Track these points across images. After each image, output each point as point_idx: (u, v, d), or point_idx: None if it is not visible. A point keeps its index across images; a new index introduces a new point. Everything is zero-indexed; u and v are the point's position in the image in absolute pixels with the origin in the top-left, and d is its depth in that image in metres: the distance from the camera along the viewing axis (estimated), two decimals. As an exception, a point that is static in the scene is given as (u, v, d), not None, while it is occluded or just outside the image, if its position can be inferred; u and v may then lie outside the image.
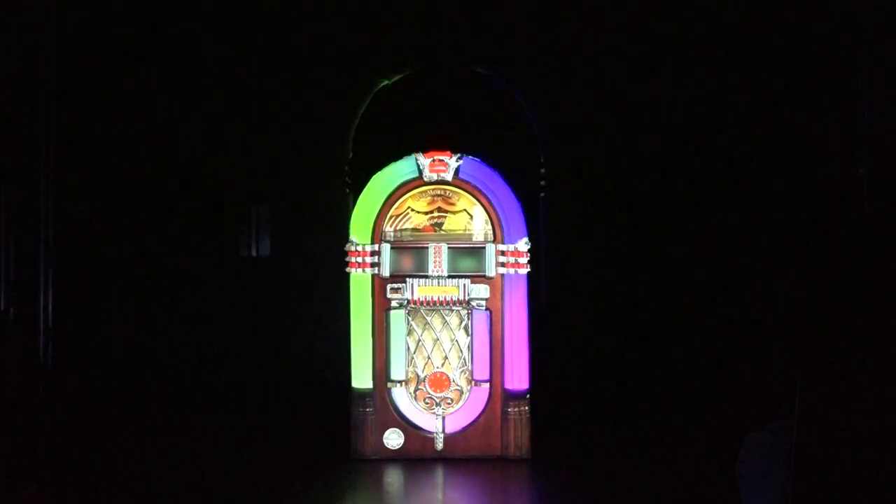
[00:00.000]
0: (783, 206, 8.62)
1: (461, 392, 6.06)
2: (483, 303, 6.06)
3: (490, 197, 6.08)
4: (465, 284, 6.06)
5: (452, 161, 6.11)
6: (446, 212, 6.15)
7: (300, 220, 9.39)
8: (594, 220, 9.20)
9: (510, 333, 6.04)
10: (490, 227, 6.09)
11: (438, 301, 6.07)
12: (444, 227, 6.13)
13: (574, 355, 9.04)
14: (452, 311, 6.09)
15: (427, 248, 6.10)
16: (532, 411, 6.05)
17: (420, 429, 6.04)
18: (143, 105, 9.19)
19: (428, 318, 6.09)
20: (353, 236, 6.12)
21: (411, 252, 6.11)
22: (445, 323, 6.09)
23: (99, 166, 8.40)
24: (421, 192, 6.15)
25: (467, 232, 6.12)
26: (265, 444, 6.56)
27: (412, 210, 6.15)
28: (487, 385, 6.04)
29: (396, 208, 6.14)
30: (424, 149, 6.23)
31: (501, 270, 6.06)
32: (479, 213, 6.13)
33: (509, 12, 8.97)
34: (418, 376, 6.07)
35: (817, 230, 7.66)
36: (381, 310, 6.09)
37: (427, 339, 6.10)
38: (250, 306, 9.33)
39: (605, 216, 9.19)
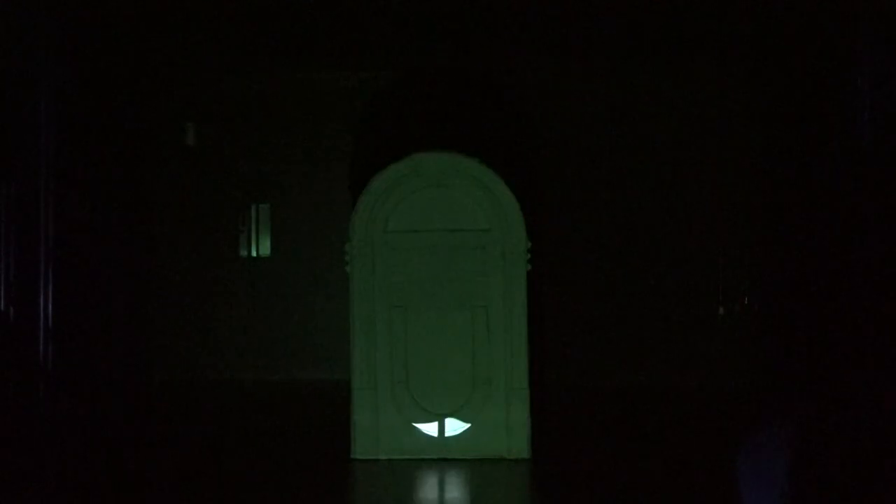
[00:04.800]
0: (783, 206, 8.62)
1: (462, 392, 6.05)
2: (483, 302, 6.05)
3: (490, 196, 6.07)
4: (465, 284, 6.05)
5: (453, 160, 6.10)
6: (446, 211, 6.13)
7: (300, 220, 9.39)
8: (594, 219, 9.20)
9: (510, 333, 6.03)
10: (490, 226, 6.07)
11: (438, 301, 6.06)
12: (444, 226, 6.12)
13: (574, 355, 9.04)
14: (453, 310, 6.08)
15: (427, 247, 6.09)
16: (532, 411, 6.04)
17: (420, 429, 6.03)
18: (143, 104, 9.18)
19: (428, 318, 6.08)
20: (352, 236, 6.11)
21: (411, 252, 6.10)
22: (446, 323, 6.08)
23: (99, 166, 8.38)
24: (421, 192, 6.13)
25: (468, 231, 6.11)
26: (265, 444, 6.56)
27: (412, 210, 6.14)
28: (488, 385, 6.03)
29: (396, 208, 6.13)
30: (424, 149, 6.22)
31: (501, 270, 6.04)
32: (479, 212, 6.11)
33: (510, 11, 8.96)
34: (418, 376, 6.06)
35: (817, 230, 7.66)
36: (381, 309, 6.08)
37: (427, 338, 6.08)
38: (250, 306, 9.33)
39: (606, 215, 9.19)
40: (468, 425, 6.03)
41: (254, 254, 9.40)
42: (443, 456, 5.97)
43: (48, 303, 5.71)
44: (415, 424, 6.03)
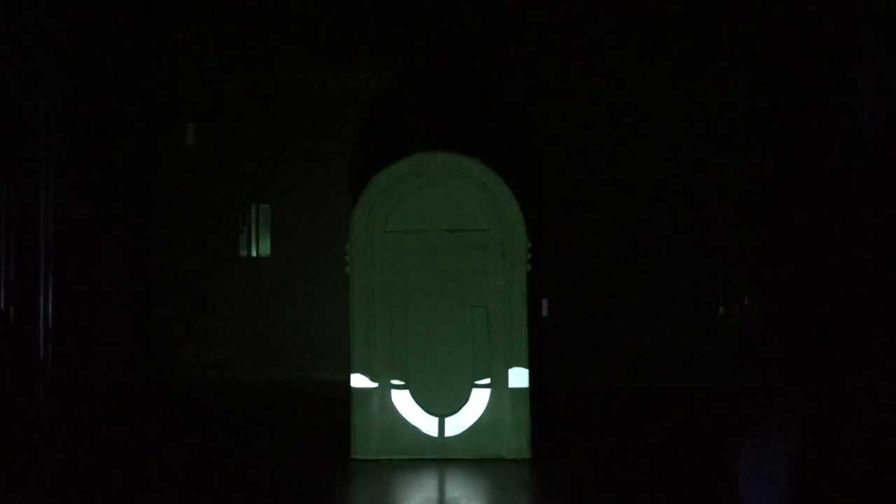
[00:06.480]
0: (783, 206, 8.62)
1: (462, 392, 6.05)
2: (483, 302, 6.05)
3: (490, 196, 6.07)
4: (465, 284, 6.06)
5: (453, 160, 6.11)
6: (446, 211, 6.13)
7: (300, 220, 9.39)
8: (594, 219, 9.20)
9: (510, 333, 6.03)
10: (491, 226, 6.08)
11: (438, 301, 6.06)
12: (444, 227, 6.12)
13: (574, 355, 9.04)
14: (453, 310, 6.08)
15: (427, 247, 6.09)
16: (532, 411, 6.04)
17: (420, 429, 6.03)
18: (143, 104, 9.19)
19: (428, 318, 6.08)
20: (352, 236, 6.11)
21: (411, 252, 6.10)
22: (446, 322, 6.08)
23: (99, 166, 8.40)
24: (421, 192, 6.14)
25: (468, 231, 6.11)
26: (265, 444, 6.56)
27: (412, 210, 6.14)
28: (488, 385, 6.04)
29: (396, 208, 6.13)
30: (424, 149, 6.22)
31: (502, 270, 6.04)
32: (479, 212, 6.12)
33: (510, 11, 8.98)
34: (418, 376, 6.06)
35: (817, 230, 7.66)
36: (380, 309, 6.08)
37: (427, 338, 6.08)
38: (250, 306, 9.33)
39: (606, 215, 9.19)
40: (468, 425, 6.03)
41: (254, 254, 9.41)
42: (443, 456, 5.97)
43: (48, 303, 5.71)
44: (415, 424, 6.03)
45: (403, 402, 6.06)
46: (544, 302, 9.04)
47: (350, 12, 8.90)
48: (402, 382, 6.06)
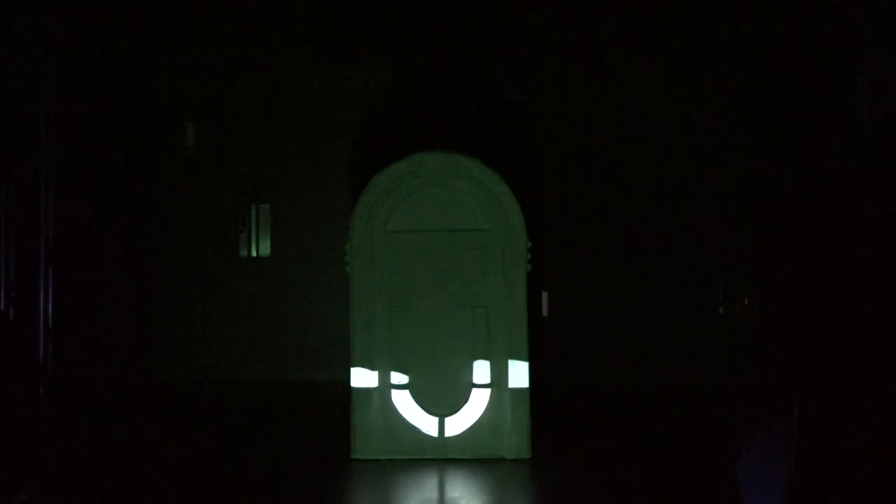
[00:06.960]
0: (783, 205, 8.62)
1: (462, 392, 6.05)
2: (483, 302, 6.05)
3: (490, 196, 6.07)
4: (465, 284, 6.06)
5: (453, 160, 6.10)
6: (446, 211, 6.13)
7: (300, 220, 9.39)
8: (594, 219, 9.20)
9: (510, 333, 6.03)
10: (491, 226, 6.08)
11: (438, 301, 6.06)
12: (444, 226, 6.12)
13: (574, 355, 9.04)
14: (453, 310, 6.08)
15: (427, 247, 6.09)
16: (532, 411, 6.04)
17: (420, 429, 6.03)
18: (143, 104, 9.19)
19: (428, 318, 6.08)
20: (352, 236, 6.11)
21: (411, 251, 6.11)
22: (446, 322, 6.08)
23: (99, 166, 8.40)
24: (421, 192, 6.14)
25: (467, 231, 6.11)
26: (265, 444, 6.56)
27: (412, 210, 6.14)
28: (488, 385, 6.04)
29: (396, 208, 6.13)
30: (424, 149, 6.22)
31: (502, 270, 6.04)
32: (479, 212, 6.12)
33: (510, 11, 8.97)
34: (418, 376, 6.06)
35: (817, 230, 7.66)
36: (381, 309, 6.08)
37: (427, 338, 6.08)
38: (250, 306, 9.33)
39: (606, 215, 9.19)
40: (468, 425, 6.03)
41: (254, 254, 9.41)
42: (443, 456, 5.97)
43: (48, 303, 5.71)
44: (415, 424, 6.03)
45: (403, 401, 6.05)
46: (544, 295, 9.03)
47: (350, 12, 8.89)
48: (402, 382, 6.06)
